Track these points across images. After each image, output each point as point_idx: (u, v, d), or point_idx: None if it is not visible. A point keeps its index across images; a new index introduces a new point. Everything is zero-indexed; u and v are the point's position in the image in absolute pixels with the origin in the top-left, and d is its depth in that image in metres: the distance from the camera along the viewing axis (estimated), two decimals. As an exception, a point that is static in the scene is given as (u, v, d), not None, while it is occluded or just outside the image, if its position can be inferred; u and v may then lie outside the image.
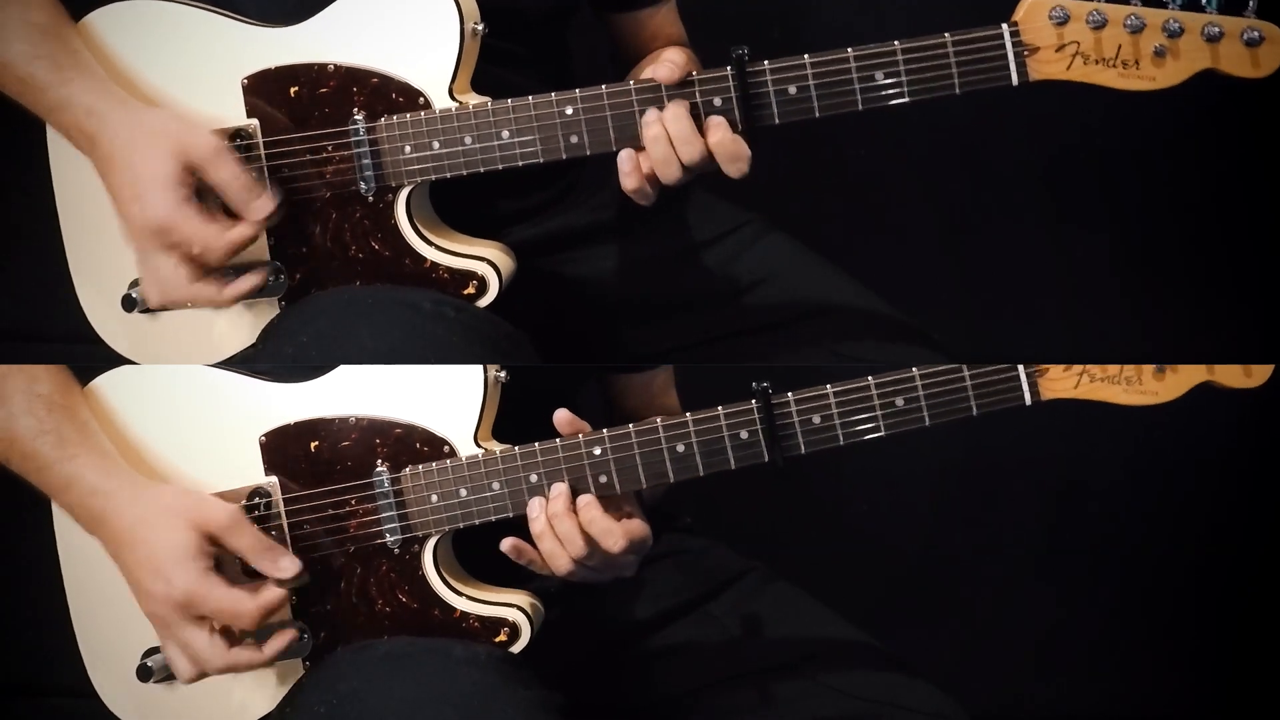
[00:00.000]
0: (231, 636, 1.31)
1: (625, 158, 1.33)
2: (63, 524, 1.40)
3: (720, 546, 1.58)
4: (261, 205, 1.34)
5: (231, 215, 1.35)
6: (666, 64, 1.31)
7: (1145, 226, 2.19)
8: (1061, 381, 1.28)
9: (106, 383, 1.39)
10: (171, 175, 1.32)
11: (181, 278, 1.34)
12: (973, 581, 2.20)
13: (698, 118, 1.32)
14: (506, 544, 1.31)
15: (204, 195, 1.35)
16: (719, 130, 1.31)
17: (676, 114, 1.31)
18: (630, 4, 1.59)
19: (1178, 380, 1.26)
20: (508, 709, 1.26)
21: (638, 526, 1.31)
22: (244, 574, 1.35)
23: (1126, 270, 2.21)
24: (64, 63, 1.36)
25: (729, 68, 1.31)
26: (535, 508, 1.31)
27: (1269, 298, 2.16)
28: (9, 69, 1.36)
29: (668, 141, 1.31)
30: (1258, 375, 1.26)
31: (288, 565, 1.32)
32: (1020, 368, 1.28)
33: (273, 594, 1.31)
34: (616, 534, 1.29)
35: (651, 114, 1.32)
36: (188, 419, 1.38)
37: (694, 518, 1.60)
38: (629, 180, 1.33)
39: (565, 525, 1.29)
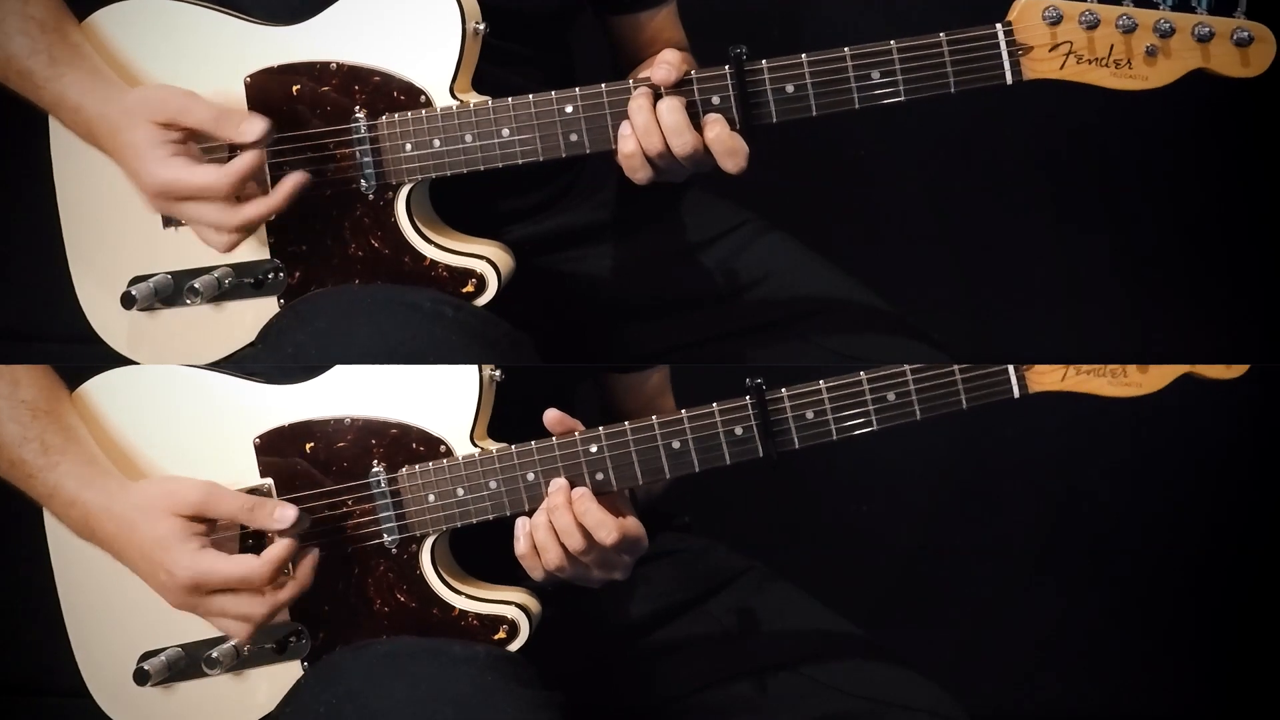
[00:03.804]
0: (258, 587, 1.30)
1: (625, 125, 1.33)
2: (55, 529, 1.40)
3: (719, 546, 1.58)
4: (251, 126, 1.33)
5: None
6: (662, 65, 1.32)
7: (1140, 225, 2.19)
8: (1049, 375, 1.29)
9: (97, 386, 1.39)
10: (151, 138, 1.33)
11: (224, 212, 1.34)
12: (972, 581, 2.20)
13: (696, 116, 1.32)
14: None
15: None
16: (716, 125, 1.31)
17: (671, 105, 1.31)
18: (629, 6, 1.59)
19: (1161, 372, 1.27)
20: (506, 707, 1.27)
21: (632, 524, 1.31)
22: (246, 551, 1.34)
23: (1122, 269, 2.21)
24: (60, 57, 1.37)
25: (727, 66, 1.32)
26: (539, 511, 1.32)
27: (1262, 296, 2.16)
28: (11, 63, 1.37)
29: (656, 127, 1.31)
30: (1236, 368, 1.27)
31: (283, 515, 1.31)
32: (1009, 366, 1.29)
33: (279, 545, 1.30)
34: (610, 526, 1.29)
35: (635, 103, 1.32)
36: (181, 421, 1.38)
37: (692, 517, 1.60)
38: (626, 143, 1.33)
39: (564, 519, 1.30)
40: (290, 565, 1.32)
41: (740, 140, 1.31)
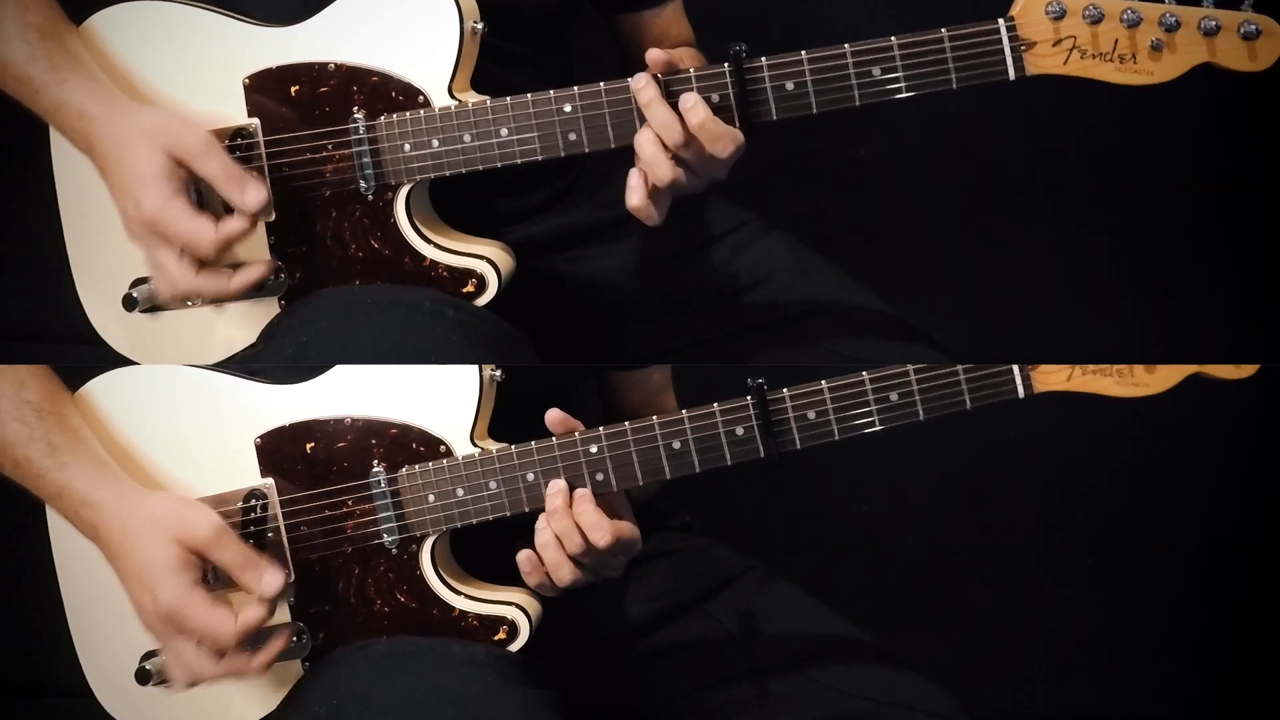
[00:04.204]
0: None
1: (633, 173, 1.33)
2: (58, 528, 1.40)
3: (719, 546, 1.58)
4: (252, 198, 1.33)
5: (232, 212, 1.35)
6: (658, 52, 1.32)
7: (1143, 224, 2.19)
8: (1054, 375, 1.28)
9: (99, 386, 1.39)
10: (160, 170, 1.32)
11: (186, 271, 1.34)
12: (973, 581, 2.20)
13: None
14: (522, 557, 1.32)
15: (206, 200, 1.36)
16: (697, 111, 1.30)
17: (651, 100, 1.30)
18: (631, 5, 1.59)
19: (1168, 372, 1.27)
20: (506, 707, 1.27)
21: (626, 528, 1.31)
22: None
23: (1124, 268, 2.21)
24: (60, 63, 1.36)
25: (726, 64, 1.31)
26: (542, 521, 1.31)
27: (1266, 296, 2.16)
28: (8, 69, 1.37)
29: (655, 141, 1.31)
30: (1245, 369, 1.27)
31: (271, 581, 1.29)
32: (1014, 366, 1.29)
33: (254, 613, 1.28)
34: (604, 528, 1.29)
35: (641, 136, 1.32)
36: (182, 421, 1.37)
37: (692, 517, 1.60)
38: (633, 196, 1.33)
39: (563, 522, 1.30)
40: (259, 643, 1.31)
41: (724, 125, 1.31)
